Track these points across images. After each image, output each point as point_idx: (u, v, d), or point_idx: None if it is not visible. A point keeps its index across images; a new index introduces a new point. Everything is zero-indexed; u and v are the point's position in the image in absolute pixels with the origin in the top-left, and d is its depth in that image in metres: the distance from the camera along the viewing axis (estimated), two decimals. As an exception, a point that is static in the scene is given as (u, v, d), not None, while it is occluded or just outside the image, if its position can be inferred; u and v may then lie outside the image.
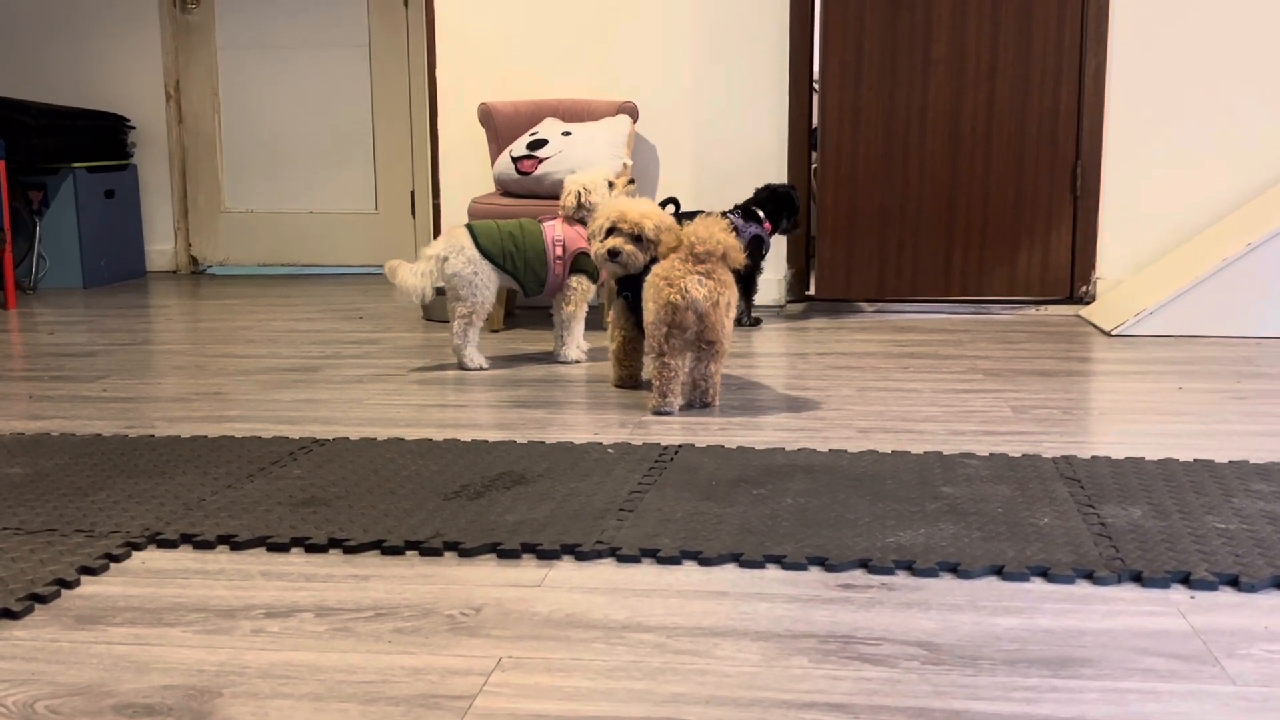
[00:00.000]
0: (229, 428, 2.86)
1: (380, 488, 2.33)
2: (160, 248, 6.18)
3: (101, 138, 5.87)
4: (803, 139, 4.72)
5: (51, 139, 5.54)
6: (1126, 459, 2.49)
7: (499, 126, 4.64)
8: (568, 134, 4.41)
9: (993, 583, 1.87)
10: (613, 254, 3.16)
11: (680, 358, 2.95)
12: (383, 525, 2.12)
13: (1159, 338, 4.00)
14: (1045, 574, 1.88)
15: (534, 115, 4.64)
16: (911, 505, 2.19)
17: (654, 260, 3.09)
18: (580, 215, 3.61)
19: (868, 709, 1.47)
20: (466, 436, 2.75)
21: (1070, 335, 4.12)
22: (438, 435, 2.76)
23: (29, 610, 1.78)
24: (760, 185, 4.38)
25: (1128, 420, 2.92)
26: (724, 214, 4.09)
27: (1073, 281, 4.62)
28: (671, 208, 4.27)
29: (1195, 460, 2.48)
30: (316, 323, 4.50)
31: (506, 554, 2.00)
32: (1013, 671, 1.56)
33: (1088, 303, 4.59)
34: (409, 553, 2.02)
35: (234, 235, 6.23)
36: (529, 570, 1.94)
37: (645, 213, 3.16)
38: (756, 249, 4.25)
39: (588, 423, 2.90)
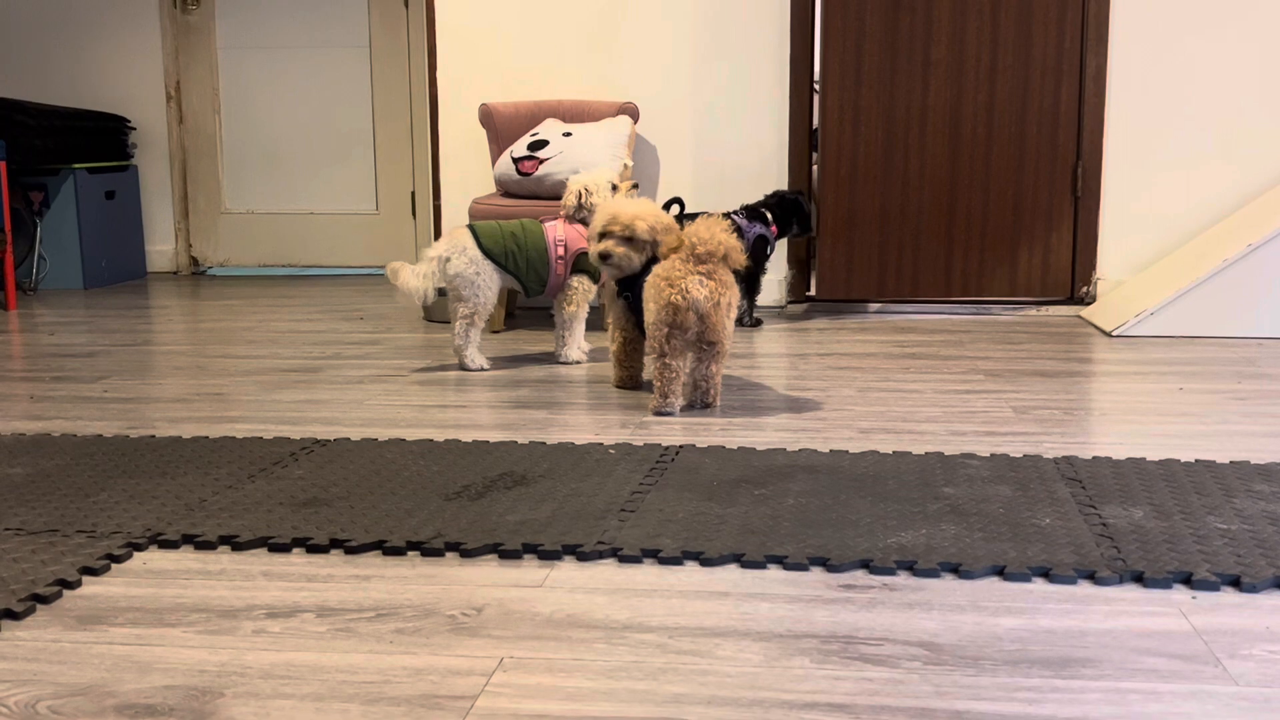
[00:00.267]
0: (230, 428, 2.86)
1: (382, 488, 2.33)
2: (161, 248, 6.18)
3: (102, 138, 5.87)
4: (803, 140, 4.72)
5: (52, 140, 5.55)
6: (1128, 459, 2.49)
7: (499, 127, 4.64)
8: (568, 135, 4.41)
9: (994, 583, 1.87)
10: (604, 257, 3.17)
11: (681, 358, 2.95)
12: (384, 526, 2.12)
13: (1160, 338, 4.00)
14: (1047, 574, 1.88)
15: (534, 116, 4.64)
16: (913, 506, 2.19)
17: (654, 260, 3.09)
18: (581, 216, 3.61)
19: (869, 709, 1.46)
20: (468, 437, 2.75)
21: (1071, 336, 4.12)
22: (439, 436, 2.76)
23: (31, 610, 1.78)
24: (770, 191, 4.41)
25: (1129, 421, 2.92)
26: (727, 214, 4.10)
27: (1073, 282, 4.62)
28: (676, 208, 4.28)
29: (1197, 461, 2.48)
30: (317, 323, 4.50)
31: (508, 554, 2.00)
32: (1014, 672, 1.56)
33: (1088, 303, 4.59)
34: (410, 553, 2.02)
35: (234, 236, 6.23)
36: (530, 570, 1.94)
37: (638, 214, 3.15)
38: (761, 249, 4.25)
39: (589, 423, 2.90)
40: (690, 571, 1.93)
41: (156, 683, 1.55)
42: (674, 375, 2.95)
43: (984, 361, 3.66)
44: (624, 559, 1.97)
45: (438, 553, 2.01)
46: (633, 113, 4.60)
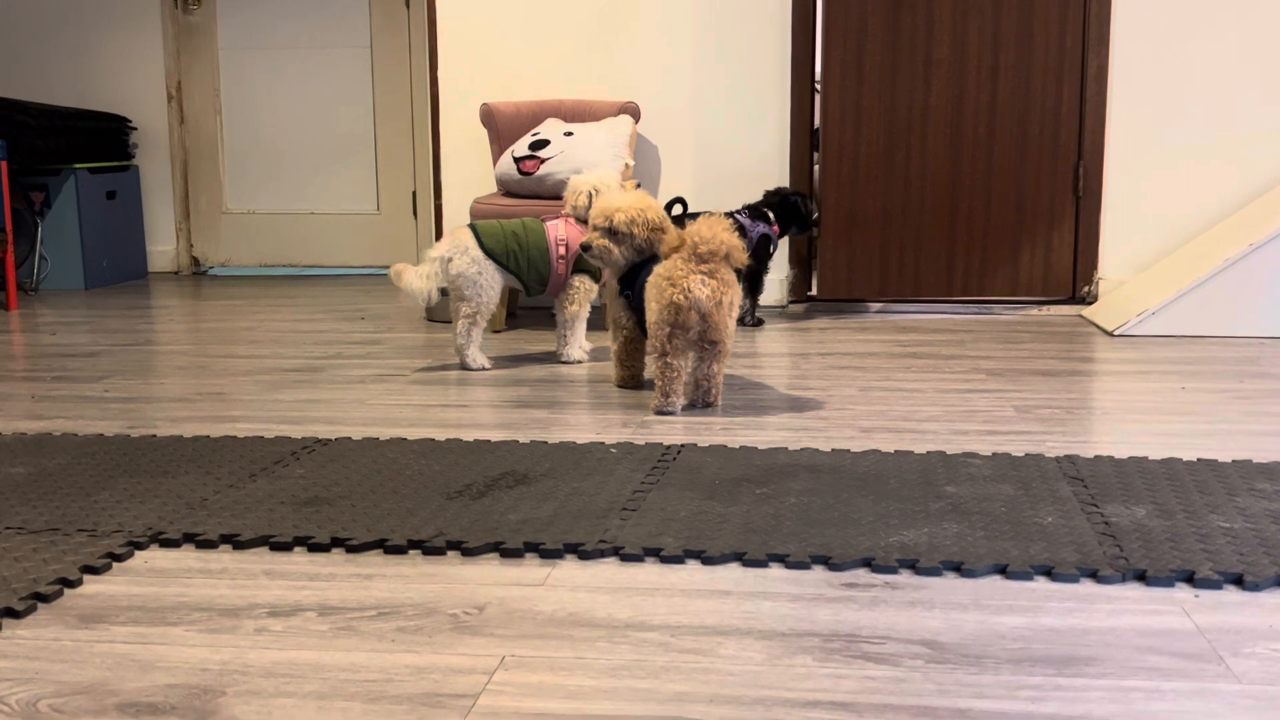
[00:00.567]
0: (231, 428, 2.86)
1: (383, 487, 2.33)
2: (162, 248, 6.18)
3: (103, 138, 5.87)
4: (805, 139, 4.72)
5: (53, 140, 5.55)
6: (1130, 458, 2.49)
7: (501, 127, 4.64)
8: (569, 134, 4.41)
9: (997, 582, 1.86)
10: (584, 248, 3.22)
11: (683, 357, 2.95)
12: (386, 525, 2.11)
13: (1161, 338, 3.99)
14: (1049, 573, 1.88)
15: (536, 115, 4.64)
16: (915, 504, 2.19)
17: (655, 259, 3.10)
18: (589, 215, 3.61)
19: (872, 708, 1.46)
20: (469, 436, 2.75)
21: (1073, 335, 4.12)
22: (440, 435, 2.76)
23: (32, 609, 1.78)
24: (772, 189, 4.40)
25: (1131, 420, 2.92)
26: (730, 214, 4.10)
27: (1075, 282, 4.62)
28: (678, 208, 4.28)
29: (1199, 459, 2.48)
30: (318, 323, 4.50)
31: (509, 553, 2.00)
32: (1017, 670, 1.56)
33: (1090, 303, 4.59)
34: (412, 552, 2.02)
35: (236, 236, 6.23)
36: (532, 569, 1.94)
37: (619, 206, 3.17)
38: (764, 248, 4.25)
39: (590, 422, 2.90)
40: (692, 570, 1.93)
41: (158, 681, 1.55)
42: (676, 374, 2.94)
43: (986, 361, 3.65)
44: (626, 558, 1.97)
45: (439, 551, 2.01)
46: (634, 112, 4.60)
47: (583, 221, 3.62)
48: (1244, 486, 2.29)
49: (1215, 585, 1.82)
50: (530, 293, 3.63)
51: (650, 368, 3.08)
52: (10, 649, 1.65)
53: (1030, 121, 4.56)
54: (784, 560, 1.94)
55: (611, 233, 3.16)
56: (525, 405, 3.09)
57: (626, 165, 4.38)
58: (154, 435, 2.78)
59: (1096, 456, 2.51)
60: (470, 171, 4.85)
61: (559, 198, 4.30)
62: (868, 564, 1.92)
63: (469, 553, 2.00)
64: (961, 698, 1.49)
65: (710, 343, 2.95)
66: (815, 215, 4.67)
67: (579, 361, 3.63)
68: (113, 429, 2.86)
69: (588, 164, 4.26)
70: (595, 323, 3.86)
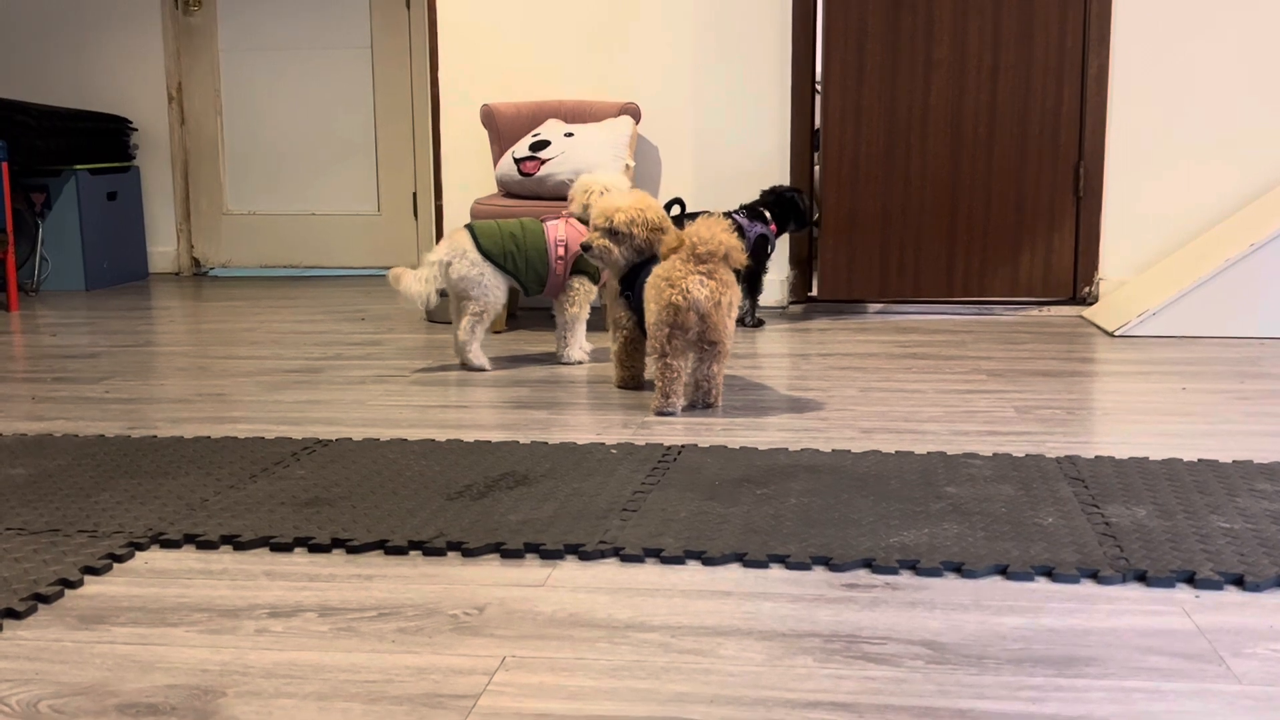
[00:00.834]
0: (232, 428, 2.86)
1: (383, 488, 2.33)
2: (163, 249, 6.18)
3: (104, 140, 5.87)
4: (805, 140, 4.72)
5: (54, 141, 5.55)
6: (1130, 459, 2.49)
7: (501, 128, 4.64)
8: (570, 135, 4.41)
9: (997, 582, 1.86)
10: (584, 248, 3.23)
11: (683, 358, 2.95)
12: (386, 525, 2.11)
13: (1162, 338, 3.99)
14: (1050, 573, 1.88)
15: (536, 116, 4.64)
16: (915, 505, 2.19)
17: (654, 259, 3.10)
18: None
19: (872, 708, 1.46)
20: (470, 437, 2.75)
21: (1073, 336, 4.12)
22: (441, 436, 2.76)
23: (32, 610, 1.78)
24: (767, 188, 4.39)
25: (1131, 420, 2.92)
26: (728, 214, 4.09)
27: (1075, 282, 4.62)
28: (677, 209, 4.28)
29: (1199, 460, 2.48)
30: (319, 324, 4.50)
31: (510, 554, 2.00)
32: (1018, 671, 1.56)
33: (1091, 303, 4.59)
34: (412, 553, 2.02)
35: (236, 237, 6.23)
36: (532, 570, 1.94)
37: (620, 206, 3.18)
38: (762, 249, 4.25)
39: (590, 423, 2.90)
40: (692, 571, 1.93)
41: (158, 682, 1.55)
42: (675, 375, 2.94)
43: (986, 361, 3.65)
44: (626, 558, 1.97)
45: (440, 552, 2.01)
46: (634, 113, 4.60)
47: (585, 222, 3.62)
48: (1244, 487, 2.29)
49: (1216, 586, 1.82)
50: (529, 293, 3.63)
51: (650, 368, 3.08)
52: (11, 650, 1.65)
53: (1030, 122, 4.56)
54: (784, 561, 1.94)
55: (612, 233, 3.17)
56: (526, 406, 3.09)
57: (627, 166, 4.38)
58: (155, 436, 2.78)
59: (1097, 457, 2.51)
60: (471, 172, 4.85)
61: (560, 198, 4.31)
62: (868, 564, 1.92)
63: (469, 553, 2.00)
64: (962, 698, 1.48)
65: (710, 343, 2.95)
66: (816, 216, 4.67)
67: (579, 362, 3.63)
68: (113, 430, 2.87)
69: (588, 165, 4.26)
70: (595, 324, 3.86)
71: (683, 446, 2.63)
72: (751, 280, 4.23)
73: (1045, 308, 4.62)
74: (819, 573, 1.91)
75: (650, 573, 1.92)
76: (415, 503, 2.24)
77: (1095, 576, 1.86)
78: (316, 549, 2.03)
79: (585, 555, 1.98)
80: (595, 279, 3.61)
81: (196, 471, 2.46)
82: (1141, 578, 1.85)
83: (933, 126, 4.59)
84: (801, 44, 4.66)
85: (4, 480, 2.42)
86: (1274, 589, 1.82)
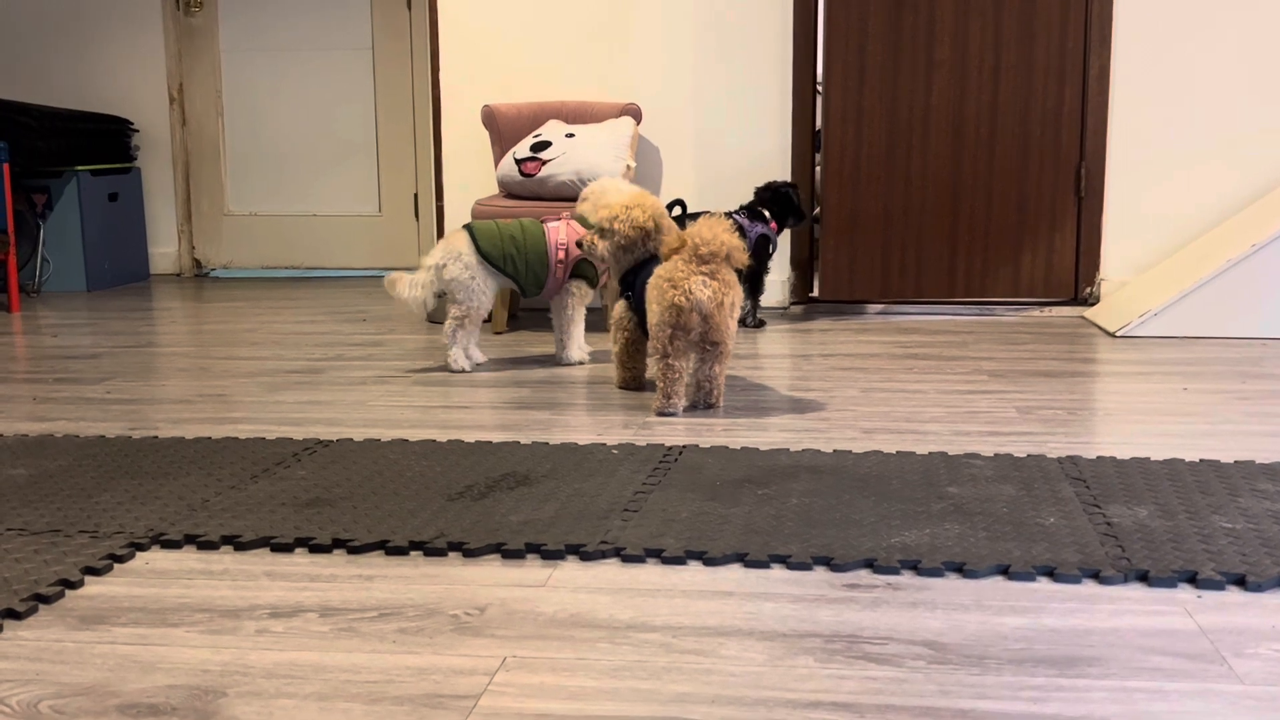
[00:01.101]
0: (233, 429, 2.86)
1: (384, 488, 2.33)
2: (164, 250, 6.18)
3: (105, 141, 5.87)
4: (806, 140, 4.72)
5: (55, 142, 5.55)
6: (1132, 459, 2.49)
7: (502, 128, 4.64)
8: (571, 136, 4.41)
9: (999, 582, 1.86)
10: (579, 245, 3.30)
11: (684, 359, 2.95)
12: (387, 526, 2.11)
13: (1163, 339, 3.99)
14: (1051, 574, 1.87)
15: (537, 117, 4.64)
16: (916, 505, 2.19)
17: (654, 259, 3.10)
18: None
19: (874, 708, 1.46)
20: (470, 438, 2.74)
21: (1074, 336, 4.12)
22: (441, 436, 2.76)
23: (33, 610, 1.78)
24: (762, 185, 4.38)
25: (1133, 421, 2.91)
26: (729, 214, 4.09)
27: (1077, 283, 4.62)
28: (678, 209, 4.27)
29: (1201, 460, 2.48)
30: (320, 325, 4.50)
31: (511, 554, 2.00)
32: (1019, 671, 1.56)
33: (1092, 304, 4.58)
34: (413, 553, 2.02)
35: (237, 238, 6.23)
36: (533, 570, 1.94)
37: (609, 202, 3.26)
38: (763, 249, 4.25)
39: (592, 424, 2.90)
40: (694, 571, 1.92)
41: (159, 682, 1.55)
42: (677, 376, 2.94)
43: (987, 362, 3.65)
44: (627, 559, 1.97)
45: (441, 553, 2.01)
46: (635, 114, 4.59)
47: (585, 223, 3.62)
48: (1246, 487, 2.28)
49: (1218, 586, 1.82)
50: (526, 295, 3.63)
51: (651, 369, 3.08)
52: (11, 650, 1.65)
53: (1032, 122, 4.55)
54: (786, 561, 1.94)
55: (601, 229, 3.21)
56: (527, 407, 3.09)
57: (628, 167, 4.38)
58: (155, 437, 2.78)
59: (1099, 457, 2.51)
60: (471, 173, 4.85)
61: (560, 199, 4.31)
62: (869, 565, 1.92)
63: (470, 554, 2.00)
64: (963, 698, 1.48)
65: (712, 344, 2.95)
66: (816, 211, 4.66)
67: (580, 363, 3.63)
68: (114, 430, 2.87)
69: (589, 165, 4.26)
70: (596, 325, 3.86)
71: (684, 447, 2.63)
72: (753, 281, 4.23)
73: (1047, 308, 4.62)
74: (820, 573, 1.91)
75: (651, 573, 1.92)
76: (416, 503, 2.24)
77: (1097, 577, 1.86)
78: (317, 549, 2.03)
79: (586, 555, 1.98)
80: (593, 282, 3.61)
81: (197, 472, 2.46)
82: (1143, 578, 1.85)
83: (934, 127, 4.59)
84: (802, 44, 4.65)
85: (5, 481, 2.42)
86: (1276, 589, 1.82)
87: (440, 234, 4.88)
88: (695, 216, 3.54)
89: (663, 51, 4.73)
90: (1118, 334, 4.05)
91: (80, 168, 5.55)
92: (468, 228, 3.56)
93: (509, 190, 4.48)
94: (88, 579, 1.91)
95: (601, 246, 3.21)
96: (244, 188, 6.20)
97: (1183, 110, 4.49)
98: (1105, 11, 4.48)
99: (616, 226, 3.18)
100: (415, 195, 6.05)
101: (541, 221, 3.64)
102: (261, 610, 1.79)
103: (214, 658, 1.62)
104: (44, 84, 6.03)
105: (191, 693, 1.52)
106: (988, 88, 4.55)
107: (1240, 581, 1.83)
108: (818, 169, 4.76)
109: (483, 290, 3.50)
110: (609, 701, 1.49)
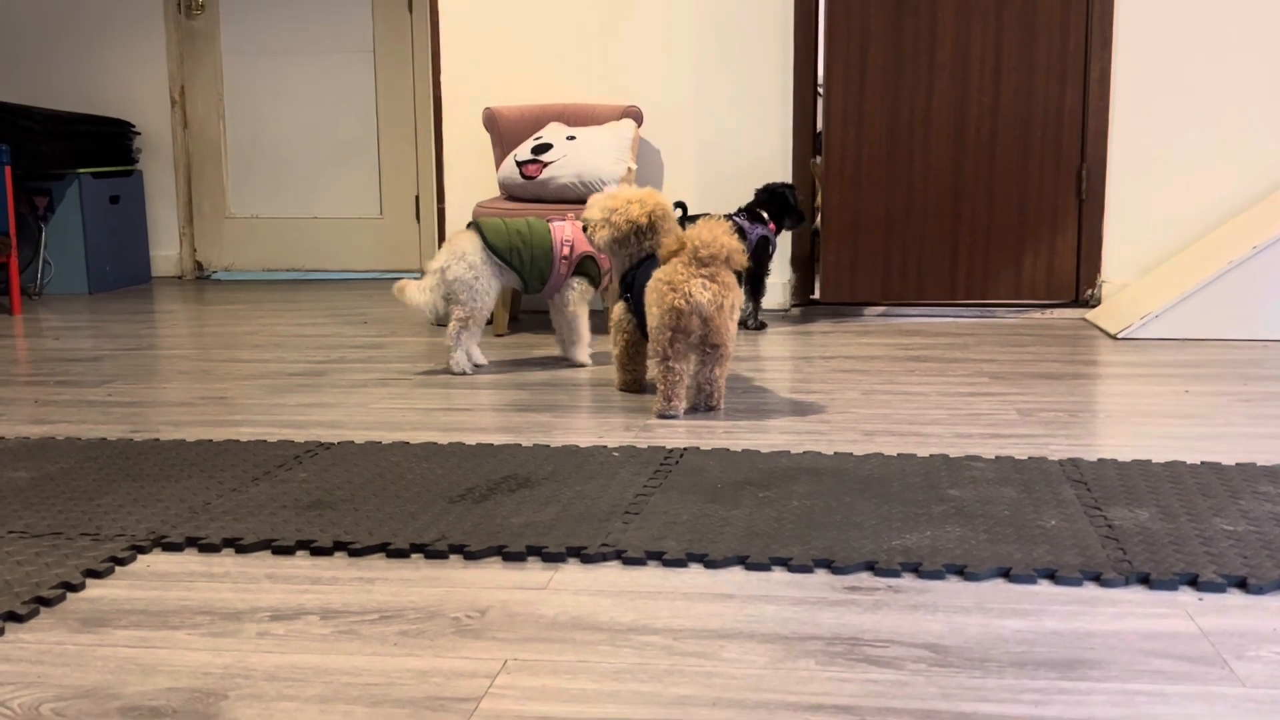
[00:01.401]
0: (234, 432, 2.86)
1: (385, 491, 2.33)
2: (165, 253, 6.18)
3: (107, 143, 5.88)
4: (807, 143, 4.72)
5: (57, 145, 5.55)
6: (1133, 461, 2.49)
7: (503, 131, 4.64)
8: (572, 138, 4.42)
9: (1000, 585, 1.86)
10: (583, 227, 3.33)
11: (684, 361, 2.95)
12: (388, 528, 2.11)
13: (1165, 341, 3.99)
14: (1052, 576, 1.87)
15: (538, 120, 4.64)
16: (918, 508, 2.19)
17: (652, 260, 3.10)
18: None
19: (875, 711, 1.46)
20: (472, 440, 2.75)
21: (1076, 338, 4.11)
22: (443, 439, 2.76)
23: (34, 613, 1.78)
24: (761, 186, 4.38)
25: (1134, 423, 2.91)
26: (728, 217, 4.09)
27: (1078, 285, 4.62)
28: (679, 211, 4.27)
29: (1202, 463, 2.48)
30: (322, 327, 4.51)
31: (512, 556, 2.00)
32: (1020, 674, 1.56)
33: (1093, 306, 4.58)
34: (414, 555, 2.02)
35: (239, 240, 6.24)
36: (534, 573, 1.94)
37: (613, 193, 3.29)
38: (763, 251, 4.25)
39: (593, 426, 2.90)
40: (695, 574, 1.92)
41: (160, 685, 1.55)
42: (677, 378, 2.94)
43: (989, 364, 3.65)
44: (628, 561, 1.97)
45: (442, 555, 2.01)
46: (636, 116, 4.60)
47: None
48: (1247, 489, 2.28)
49: (1219, 588, 1.82)
50: (529, 291, 3.64)
51: (652, 371, 3.08)
52: (13, 653, 1.65)
53: (1033, 124, 4.55)
54: (786, 564, 1.94)
55: (605, 219, 3.24)
56: (527, 409, 3.09)
57: (629, 169, 4.39)
58: (157, 439, 2.78)
59: (1100, 459, 2.51)
60: (473, 175, 4.86)
61: (562, 201, 4.31)
62: (870, 567, 1.92)
63: (471, 556, 2.00)
64: (964, 701, 1.48)
65: (712, 346, 2.95)
66: (817, 219, 4.67)
67: (588, 363, 3.64)
68: (116, 433, 2.87)
69: (590, 168, 4.26)
70: (597, 326, 3.86)
71: (685, 449, 2.63)
72: (755, 283, 4.24)
73: (1048, 310, 4.62)
74: (821, 575, 1.91)
75: (652, 575, 1.92)
76: (417, 505, 2.24)
77: (1098, 579, 1.86)
78: (318, 552, 2.03)
79: (587, 558, 1.98)
80: (595, 281, 3.62)
81: (199, 474, 2.46)
82: (1144, 580, 1.85)
83: (935, 129, 4.59)
84: (803, 47, 4.66)
85: (6, 483, 2.42)
86: (1277, 591, 1.82)
87: (441, 236, 4.89)
88: (696, 219, 3.54)
89: (664, 54, 4.73)
90: (1119, 336, 4.05)
91: (82, 170, 5.56)
92: (474, 224, 3.57)
93: (510, 192, 4.48)
94: (89, 581, 1.91)
95: (599, 235, 3.22)
96: (245, 190, 6.21)
97: (1184, 112, 4.49)
98: (1106, 13, 4.48)
99: (614, 219, 3.19)
100: (416, 197, 6.06)
101: (547, 221, 3.65)
102: (263, 613, 1.79)
103: (215, 660, 1.62)
104: (46, 87, 6.04)
105: (192, 695, 1.52)
106: (989, 90, 4.55)
107: (1242, 584, 1.83)
108: (816, 169, 4.76)
109: (486, 290, 3.51)
110: (610, 704, 1.49)
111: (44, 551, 2.01)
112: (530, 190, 4.39)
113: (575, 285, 3.60)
